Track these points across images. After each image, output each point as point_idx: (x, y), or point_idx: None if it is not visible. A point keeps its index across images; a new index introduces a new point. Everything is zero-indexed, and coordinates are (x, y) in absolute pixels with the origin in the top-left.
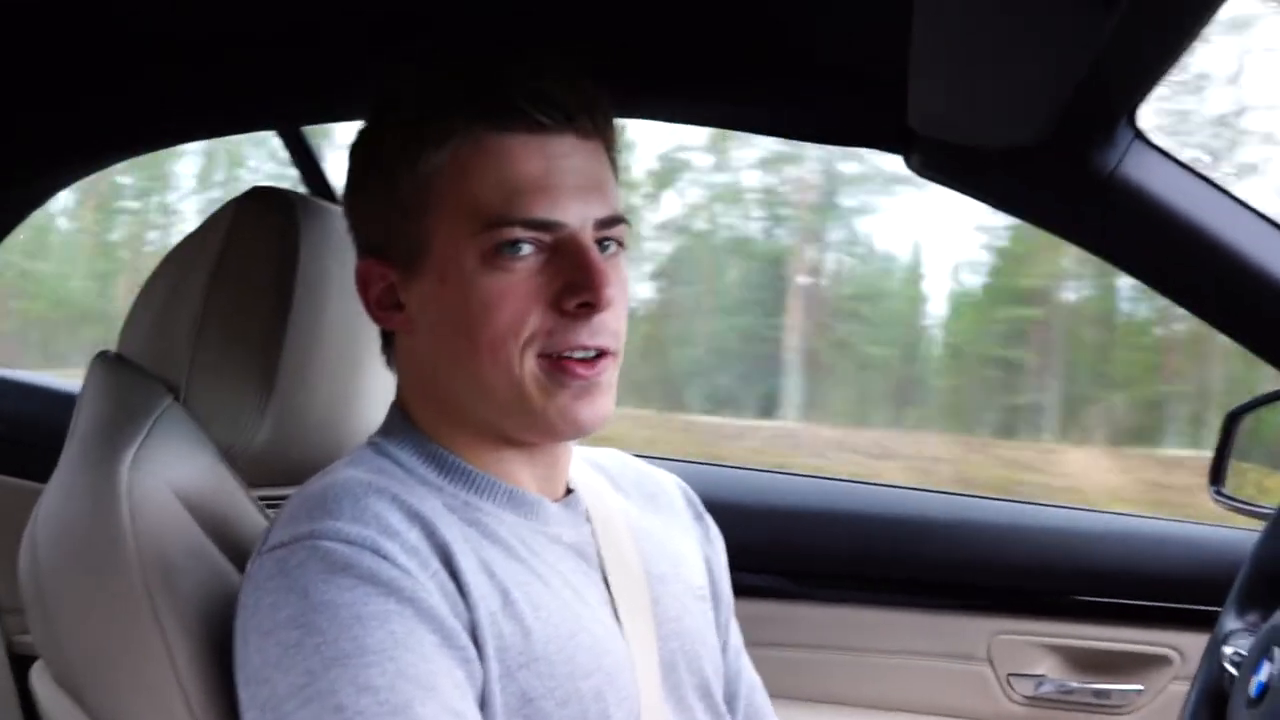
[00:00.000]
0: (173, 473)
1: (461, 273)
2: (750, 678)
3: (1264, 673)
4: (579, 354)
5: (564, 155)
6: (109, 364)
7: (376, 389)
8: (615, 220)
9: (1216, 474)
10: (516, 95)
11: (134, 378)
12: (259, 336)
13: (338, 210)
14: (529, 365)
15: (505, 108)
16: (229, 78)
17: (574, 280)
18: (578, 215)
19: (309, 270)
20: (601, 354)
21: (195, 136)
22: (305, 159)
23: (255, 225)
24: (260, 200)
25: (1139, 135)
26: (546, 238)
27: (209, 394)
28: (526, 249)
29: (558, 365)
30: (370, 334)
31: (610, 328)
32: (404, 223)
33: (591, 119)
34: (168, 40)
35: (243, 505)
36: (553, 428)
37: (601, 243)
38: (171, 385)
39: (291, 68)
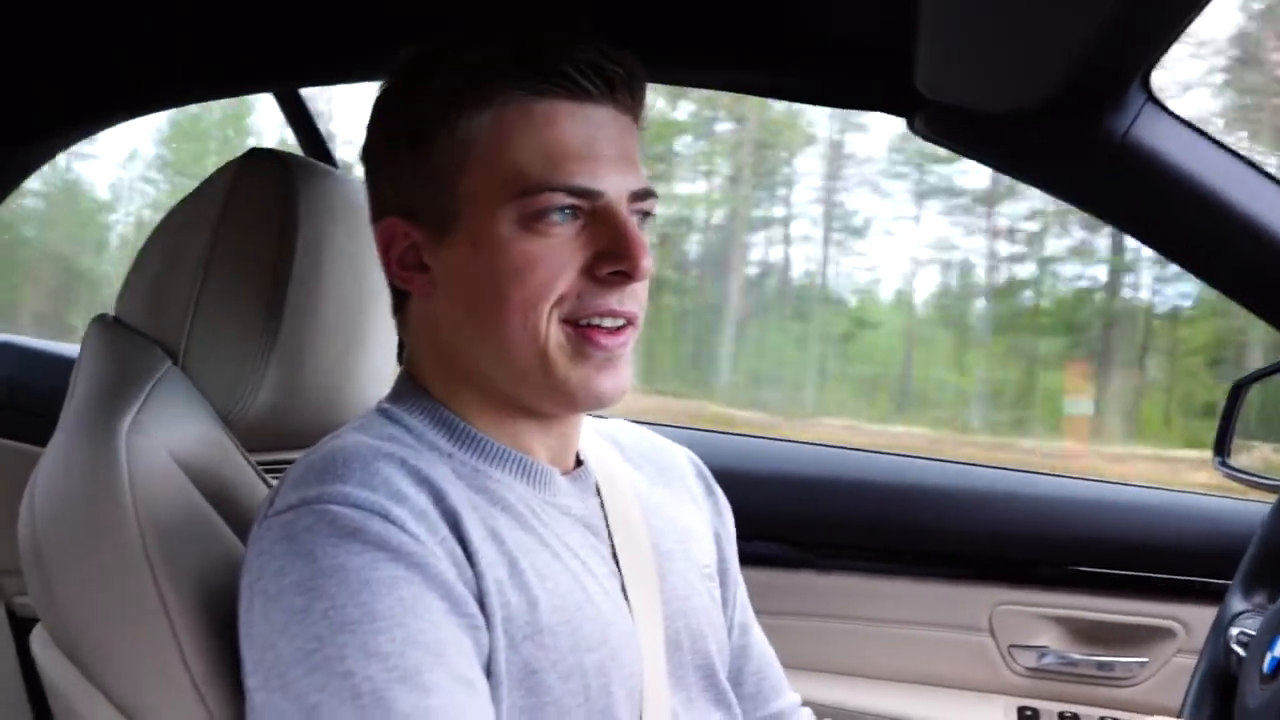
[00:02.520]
0: (172, 438)
1: (496, 236)
2: (762, 653)
3: (1278, 648)
4: (607, 321)
5: (603, 125)
6: (107, 327)
7: (377, 353)
8: (648, 193)
9: (1221, 445)
10: (563, 62)
11: (132, 342)
12: (258, 300)
13: (337, 173)
14: (554, 331)
15: (552, 73)
16: (226, 39)
17: (610, 249)
18: (615, 185)
19: (309, 233)
20: (626, 323)
21: (193, 99)
22: (303, 121)
23: (254, 188)
24: (259, 162)
25: (1151, 98)
26: (585, 205)
27: (208, 358)
28: (565, 215)
29: (582, 334)
30: (371, 297)
31: (639, 296)
32: (437, 184)
33: (630, 92)
34: (165, 1)
35: (242, 470)
36: (574, 398)
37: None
38: (170, 349)
39: (289, 29)
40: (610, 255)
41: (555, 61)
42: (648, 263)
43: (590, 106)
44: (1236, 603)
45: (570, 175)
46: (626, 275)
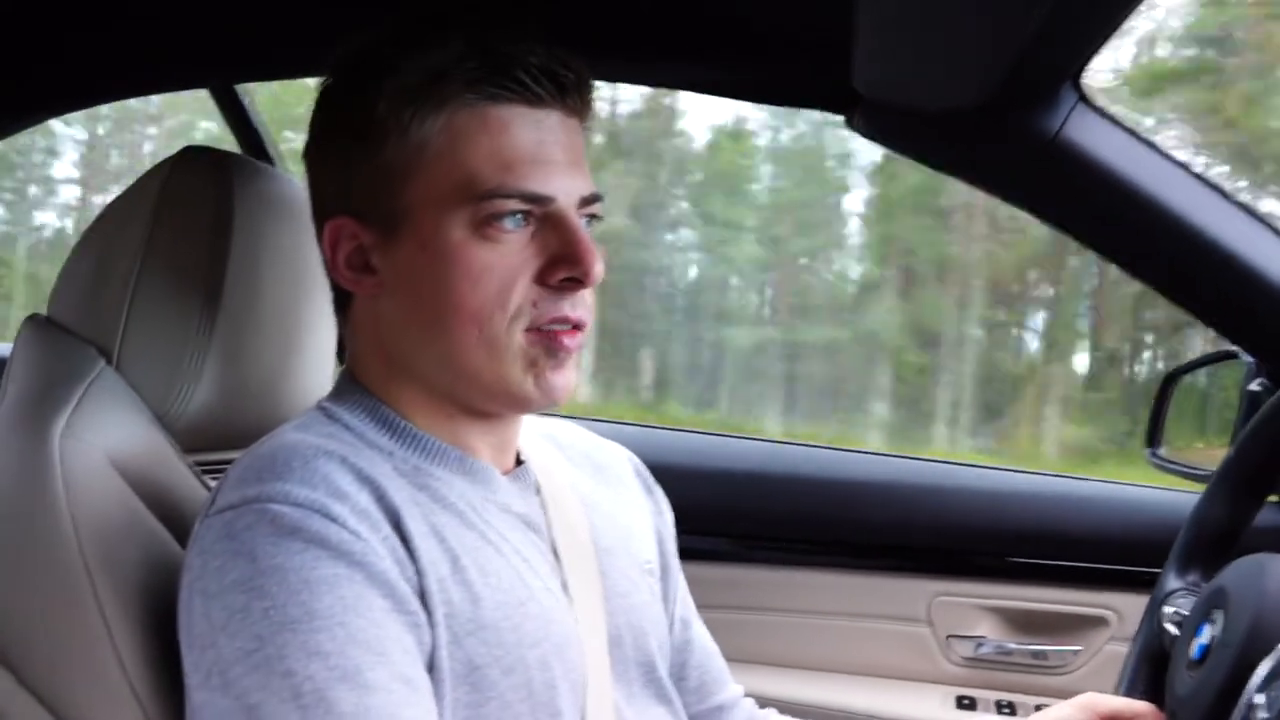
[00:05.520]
0: (107, 440)
1: (447, 241)
2: (704, 646)
3: (1205, 635)
4: (559, 326)
5: (553, 129)
6: (39, 328)
7: (316, 352)
8: (596, 197)
9: (1153, 436)
10: (516, 66)
11: (65, 342)
12: (194, 299)
13: (274, 171)
14: (517, 339)
15: (506, 77)
16: (160, 34)
17: (562, 254)
18: (565, 190)
19: (245, 231)
20: (579, 326)
21: (124, 95)
22: (239, 118)
23: (189, 185)
24: (194, 159)
25: (1083, 98)
26: (537, 210)
27: (143, 358)
28: (517, 221)
29: (545, 337)
30: (310, 296)
31: (587, 302)
32: (386, 186)
33: (580, 96)
34: None
35: (180, 472)
36: (527, 400)
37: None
38: (104, 349)
39: (225, 24)
40: (562, 261)
41: (509, 65)
42: (599, 268)
43: (541, 111)
44: (1171, 581)
45: (522, 180)
46: (579, 281)
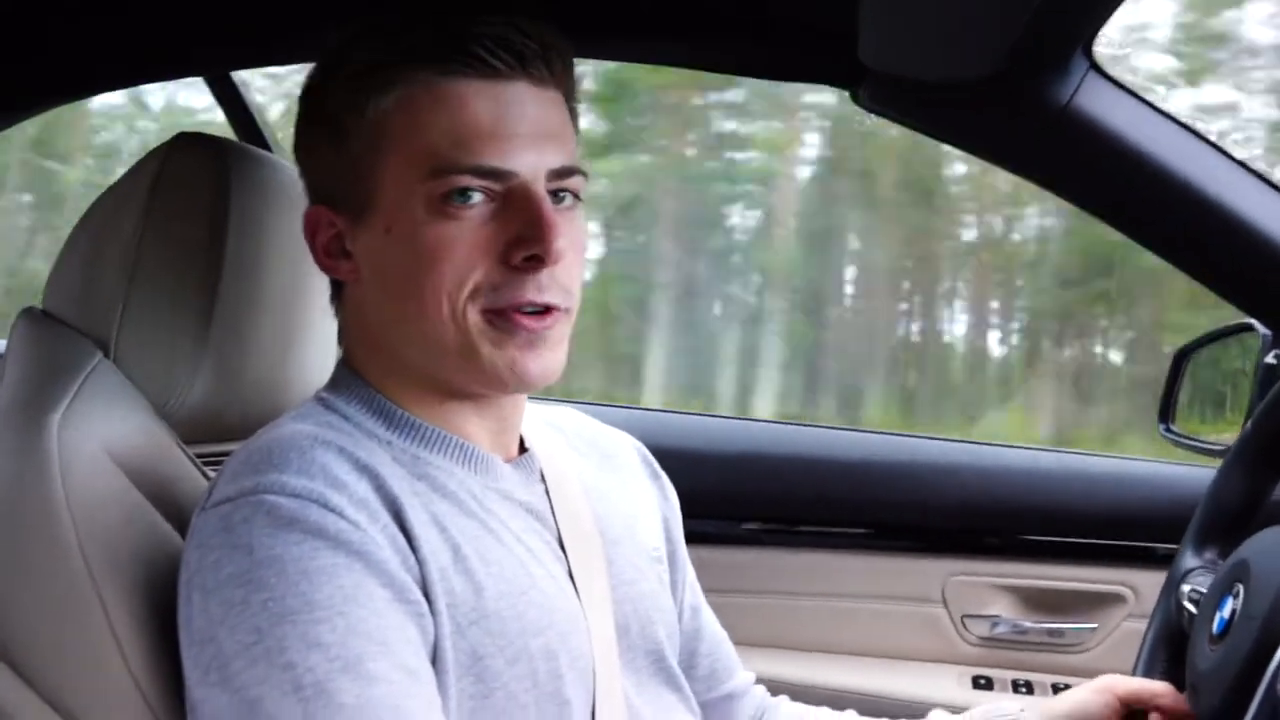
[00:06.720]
0: (105, 433)
1: (409, 221)
2: (714, 634)
3: (1227, 609)
4: (526, 309)
5: (516, 102)
6: (34, 320)
7: (317, 341)
8: (571, 171)
9: (1165, 411)
10: (468, 39)
11: (61, 334)
12: (191, 288)
13: (271, 157)
14: (473, 318)
15: (456, 51)
16: (155, 21)
17: (523, 232)
18: (530, 164)
19: (243, 218)
20: (550, 309)
21: (121, 84)
22: (235, 105)
23: (184, 172)
24: (189, 146)
25: (1094, 66)
26: (497, 186)
27: (140, 349)
28: (476, 197)
29: (503, 315)
30: (309, 285)
31: (560, 283)
32: (352, 170)
33: (547, 65)
34: None
35: (180, 463)
36: (499, 379)
37: (556, 194)
38: (101, 341)
39: (219, 10)
40: (523, 239)
41: (461, 40)
42: (560, 245)
43: (501, 84)
44: (1188, 559)
45: (479, 155)
46: (540, 260)
